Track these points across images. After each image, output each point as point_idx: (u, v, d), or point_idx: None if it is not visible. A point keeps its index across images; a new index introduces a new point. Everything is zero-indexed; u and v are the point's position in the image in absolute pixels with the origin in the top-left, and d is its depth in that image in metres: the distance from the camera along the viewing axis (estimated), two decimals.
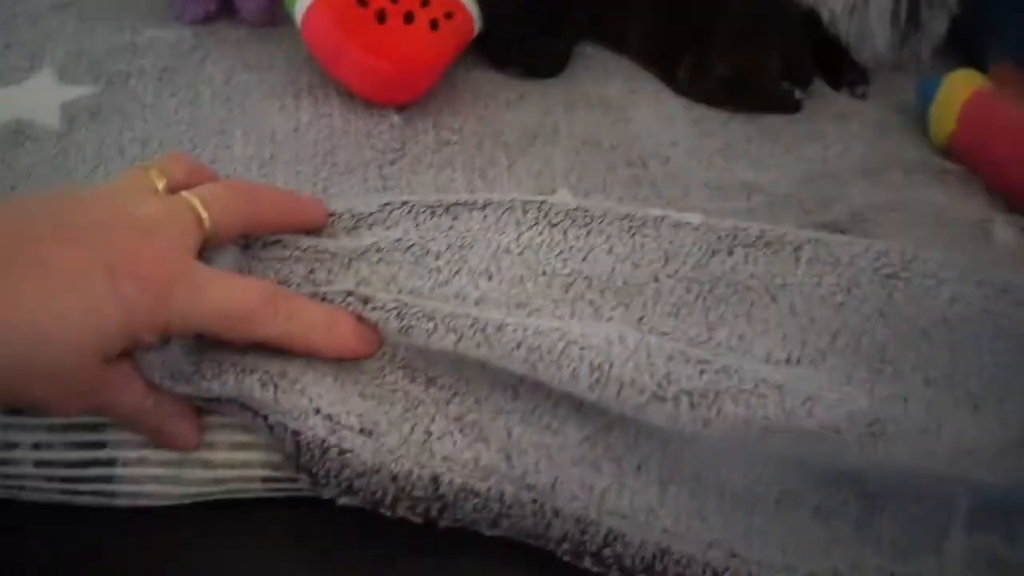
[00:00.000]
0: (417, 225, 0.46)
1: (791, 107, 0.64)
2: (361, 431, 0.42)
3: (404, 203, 0.47)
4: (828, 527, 0.43)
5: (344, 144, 0.57)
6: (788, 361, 0.44)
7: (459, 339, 0.41)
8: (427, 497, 0.42)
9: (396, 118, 0.59)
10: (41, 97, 0.58)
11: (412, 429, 0.42)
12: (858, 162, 0.61)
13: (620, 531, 0.42)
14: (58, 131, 0.56)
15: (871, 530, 0.43)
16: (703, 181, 0.57)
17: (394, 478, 0.42)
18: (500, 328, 0.41)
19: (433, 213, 0.46)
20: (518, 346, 0.41)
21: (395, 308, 0.42)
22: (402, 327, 0.42)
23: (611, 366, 0.41)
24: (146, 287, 0.39)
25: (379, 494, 0.42)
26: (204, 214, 0.42)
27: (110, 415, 0.42)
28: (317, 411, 0.42)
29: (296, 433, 0.41)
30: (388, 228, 0.46)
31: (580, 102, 0.63)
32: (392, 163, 0.57)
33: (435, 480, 0.42)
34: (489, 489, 0.42)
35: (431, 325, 0.41)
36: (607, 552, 0.43)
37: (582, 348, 0.41)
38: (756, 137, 0.61)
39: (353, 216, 0.47)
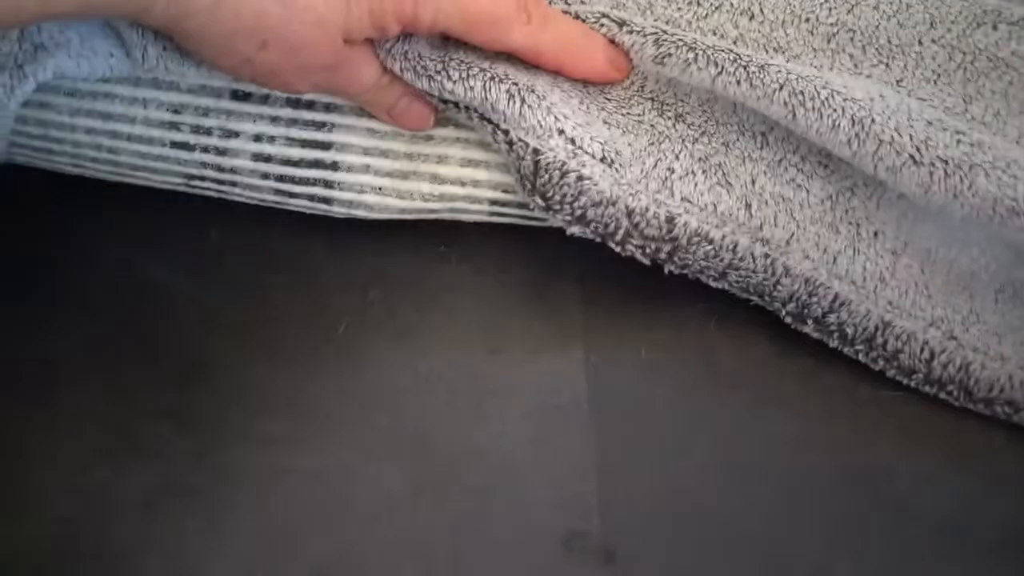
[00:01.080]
0: None
1: None
2: (603, 160, 0.40)
3: None
4: None
5: None
6: None
7: (719, 73, 0.39)
8: (659, 237, 0.40)
9: None
10: None
11: (655, 164, 0.41)
12: None
13: (847, 298, 0.41)
14: None
15: None
16: None
17: (629, 213, 0.40)
18: (763, 68, 0.39)
19: None
20: (780, 88, 0.39)
21: (653, 34, 0.40)
22: (659, 54, 0.40)
23: (872, 122, 0.39)
24: None
25: (612, 227, 0.40)
26: None
27: (342, 94, 0.41)
28: (561, 132, 0.40)
29: (537, 152, 0.40)
30: None
31: None
32: None
33: (670, 220, 0.40)
34: (723, 237, 0.41)
35: (691, 55, 0.39)
36: (831, 318, 0.41)
37: (845, 100, 0.39)
38: None
39: None
